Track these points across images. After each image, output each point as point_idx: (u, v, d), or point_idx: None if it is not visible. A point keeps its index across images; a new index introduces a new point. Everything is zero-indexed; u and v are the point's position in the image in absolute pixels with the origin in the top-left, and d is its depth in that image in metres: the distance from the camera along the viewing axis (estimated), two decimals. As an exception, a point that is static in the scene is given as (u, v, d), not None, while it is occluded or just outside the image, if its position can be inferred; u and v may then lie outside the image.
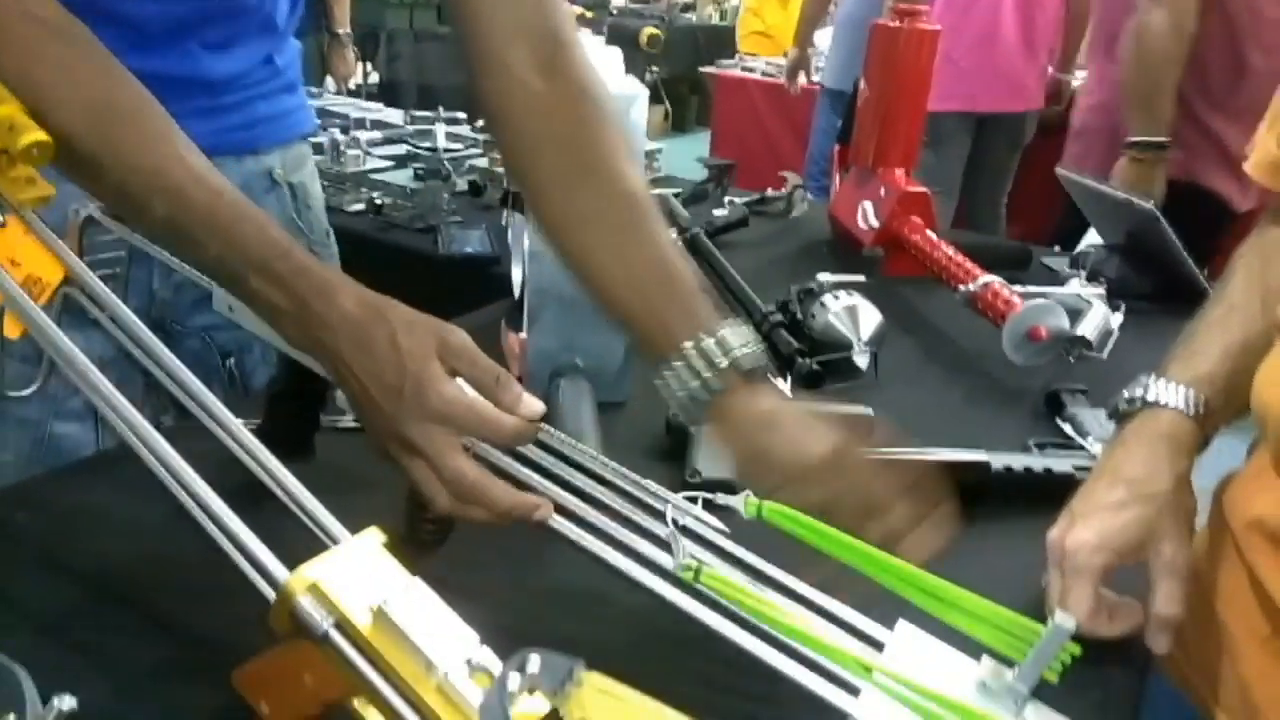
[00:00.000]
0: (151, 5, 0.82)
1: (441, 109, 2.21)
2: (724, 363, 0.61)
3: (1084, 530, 0.65)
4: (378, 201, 1.76)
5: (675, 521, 0.62)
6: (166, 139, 0.62)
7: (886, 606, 0.60)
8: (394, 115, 2.42)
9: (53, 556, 0.69)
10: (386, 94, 4.61)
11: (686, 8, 7.86)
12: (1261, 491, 0.60)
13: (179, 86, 0.82)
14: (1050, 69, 3.10)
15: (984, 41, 2.85)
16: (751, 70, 4.23)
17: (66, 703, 0.37)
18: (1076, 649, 0.55)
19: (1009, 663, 0.57)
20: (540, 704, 0.44)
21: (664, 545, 0.61)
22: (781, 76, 4.11)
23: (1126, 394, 0.69)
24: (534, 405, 0.59)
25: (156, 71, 0.66)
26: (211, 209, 0.60)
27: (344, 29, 3.19)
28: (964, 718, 0.49)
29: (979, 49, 2.85)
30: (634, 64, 1.01)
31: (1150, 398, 0.67)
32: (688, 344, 0.62)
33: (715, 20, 7.06)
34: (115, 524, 0.73)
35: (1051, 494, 0.85)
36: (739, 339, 0.62)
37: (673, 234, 0.68)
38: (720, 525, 0.63)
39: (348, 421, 0.85)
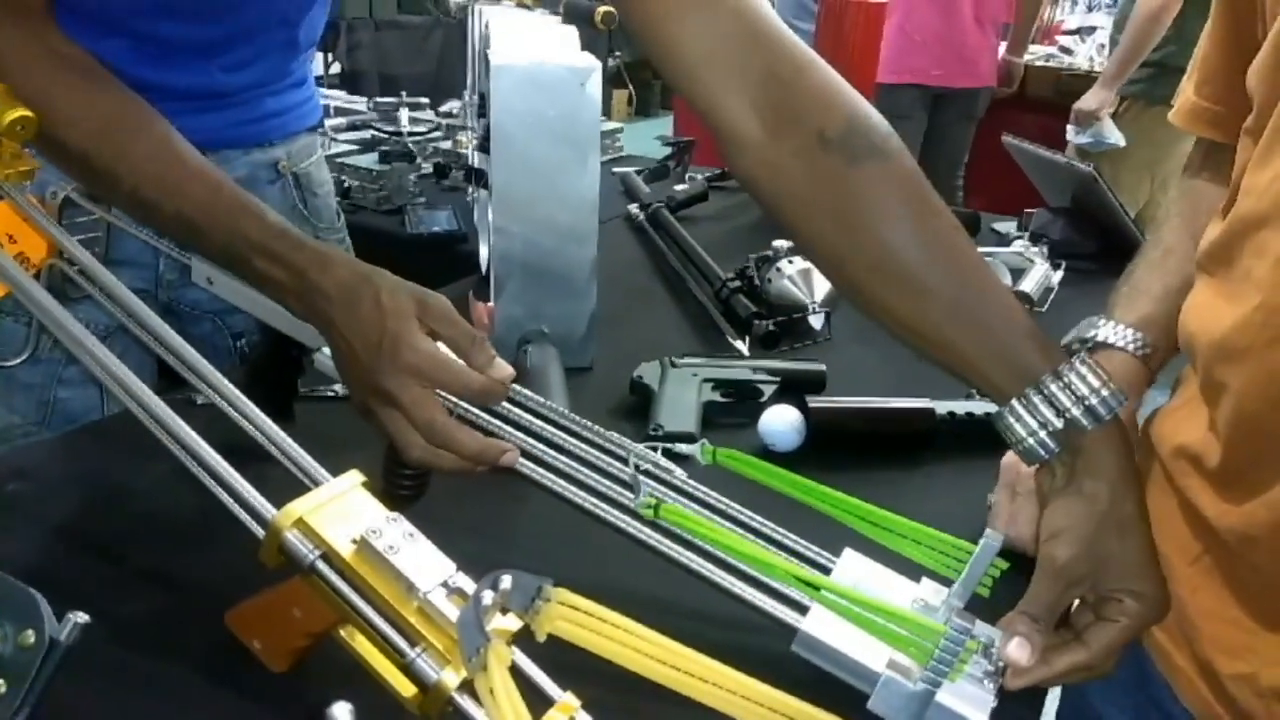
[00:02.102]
0: (178, 28, 0.84)
1: (404, 94, 2.23)
2: (1075, 410, 0.56)
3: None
4: (345, 185, 1.79)
5: (637, 465, 0.66)
6: (168, 146, 0.69)
7: (833, 539, 0.65)
8: (357, 101, 2.44)
9: (46, 521, 0.72)
10: (348, 83, 4.57)
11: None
12: (1186, 420, 0.64)
13: (192, 94, 0.87)
14: (1002, 53, 3.16)
15: (939, 16, 2.91)
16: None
17: (81, 617, 0.40)
18: (1004, 564, 0.60)
19: (947, 583, 0.62)
20: (514, 622, 0.49)
21: (627, 488, 0.65)
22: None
23: (1078, 334, 0.73)
24: (504, 369, 0.64)
25: (168, 84, 0.71)
26: (212, 203, 0.67)
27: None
28: (898, 623, 0.54)
29: (933, 23, 2.91)
30: (595, 47, 1.04)
31: (1100, 339, 0.71)
32: (1031, 387, 0.57)
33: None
34: (106, 490, 0.77)
35: (991, 437, 0.91)
36: (1089, 384, 0.56)
37: (976, 256, 0.60)
38: (677, 468, 0.67)
39: (325, 390, 0.89)
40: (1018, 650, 0.55)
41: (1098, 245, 1.42)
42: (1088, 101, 2.75)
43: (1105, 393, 0.56)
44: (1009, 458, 0.73)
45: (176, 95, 0.80)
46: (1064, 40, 3.94)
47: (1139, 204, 2.77)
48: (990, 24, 3.01)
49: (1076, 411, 0.56)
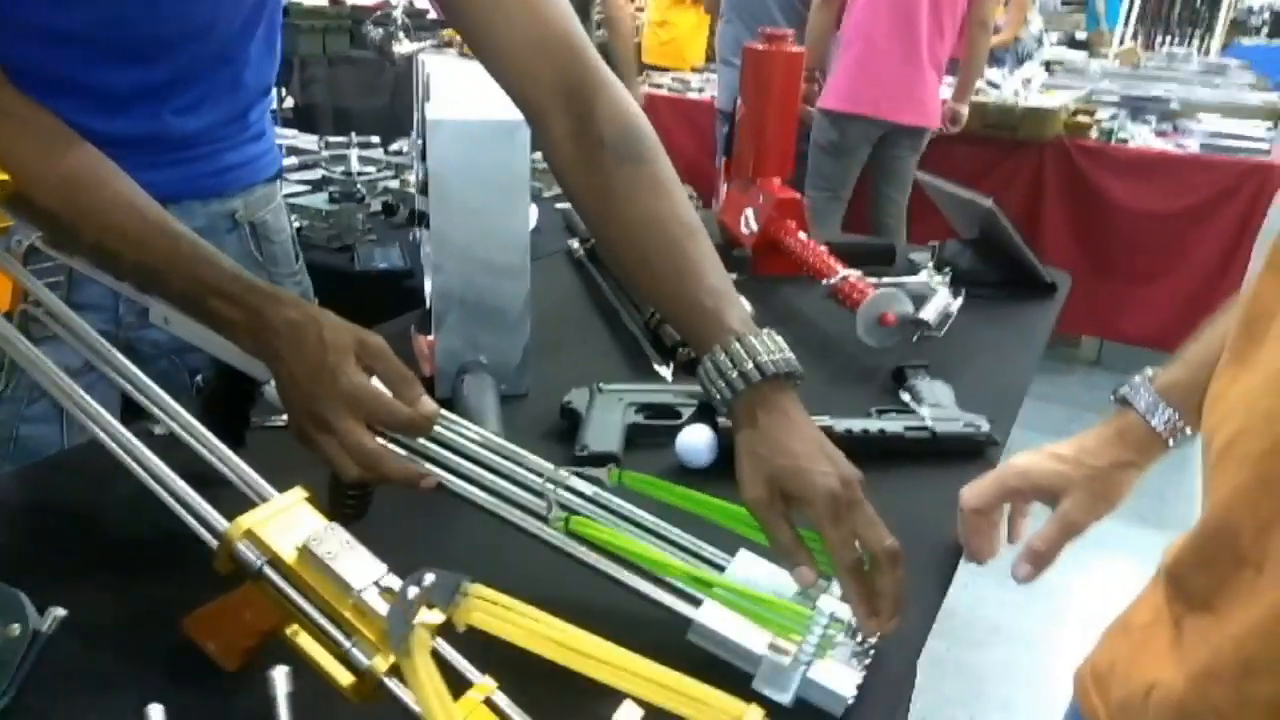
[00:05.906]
0: (119, 74, 0.89)
1: (354, 134, 2.30)
2: (749, 364, 0.70)
3: (1028, 458, 0.82)
4: (296, 224, 1.85)
5: (551, 481, 0.74)
6: (128, 200, 0.75)
7: (734, 542, 0.73)
8: (309, 141, 2.51)
9: (7, 548, 0.77)
10: (302, 118, 4.64)
11: (599, 25, 7.96)
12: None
13: (147, 144, 0.93)
14: (946, 97, 3.30)
15: (899, 57, 3.05)
16: (659, 86, 4.37)
17: (60, 611, 0.47)
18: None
19: (828, 577, 0.70)
20: (437, 615, 0.56)
21: (544, 503, 0.73)
22: (686, 92, 4.27)
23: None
24: (430, 405, 0.72)
25: (124, 133, 0.76)
26: (171, 252, 0.74)
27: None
28: (774, 611, 0.62)
29: (893, 62, 3.05)
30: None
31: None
32: (717, 348, 0.71)
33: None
34: (68, 518, 0.82)
35: (887, 452, 1.00)
36: (766, 347, 0.70)
37: (707, 249, 0.78)
38: (588, 486, 0.75)
39: (275, 421, 0.96)
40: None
41: (1000, 275, 1.53)
42: None
43: (750, 365, 0.70)
44: (1015, 456, 0.83)
45: (135, 146, 0.85)
46: (991, 75, 4.11)
47: None
48: (936, 66, 3.16)
49: (734, 375, 0.70)
